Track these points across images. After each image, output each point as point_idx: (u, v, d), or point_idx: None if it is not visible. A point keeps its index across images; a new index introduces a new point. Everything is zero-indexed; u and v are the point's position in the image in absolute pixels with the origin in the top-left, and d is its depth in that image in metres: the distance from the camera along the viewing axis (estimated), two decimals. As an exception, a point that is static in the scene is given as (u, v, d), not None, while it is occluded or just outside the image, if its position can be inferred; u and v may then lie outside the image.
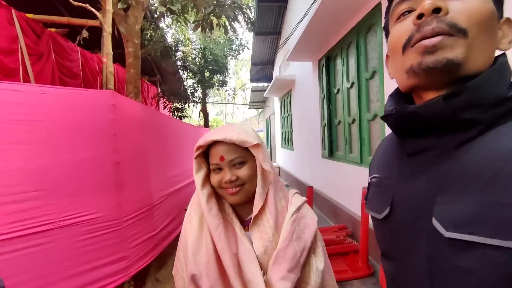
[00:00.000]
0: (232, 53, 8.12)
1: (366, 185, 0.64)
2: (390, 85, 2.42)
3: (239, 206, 0.80)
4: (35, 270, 1.73)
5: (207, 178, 0.78)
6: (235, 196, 0.75)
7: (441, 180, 0.41)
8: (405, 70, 0.44)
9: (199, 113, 8.50)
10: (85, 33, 2.88)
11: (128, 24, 2.82)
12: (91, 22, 2.86)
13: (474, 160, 0.39)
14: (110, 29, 2.28)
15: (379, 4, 2.61)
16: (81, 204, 1.97)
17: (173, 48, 6.46)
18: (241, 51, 8.17)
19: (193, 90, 7.65)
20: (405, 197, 0.48)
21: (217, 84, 7.94)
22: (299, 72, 6.00)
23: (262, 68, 11.08)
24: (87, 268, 1.95)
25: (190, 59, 7.40)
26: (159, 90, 7.28)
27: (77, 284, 1.87)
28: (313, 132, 5.03)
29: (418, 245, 0.44)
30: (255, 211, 0.74)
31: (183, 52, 7.28)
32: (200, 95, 8.04)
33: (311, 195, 2.11)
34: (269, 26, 8.29)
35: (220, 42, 7.94)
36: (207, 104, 8.67)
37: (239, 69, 29.76)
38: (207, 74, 7.60)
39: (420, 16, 0.41)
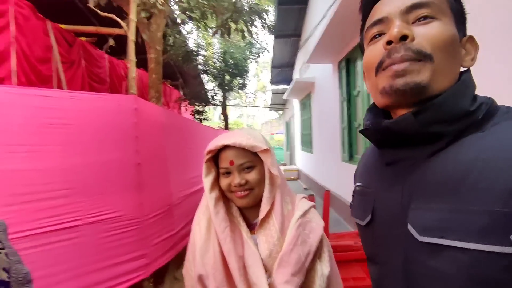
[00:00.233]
0: (252, 57, 8.19)
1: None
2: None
3: (247, 209, 0.82)
4: (63, 264, 1.85)
5: (215, 182, 0.81)
6: (244, 199, 0.77)
7: (414, 189, 0.45)
8: (378, 90, 0.48)
9: (220, 115, 8.65)
10: (111, 42, 3.06)
11: (151, 32, 2.96)
12: (117, 31, 3.03)
13: (441, 170, 0.42)
14: (133, 37, 2.40)
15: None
16: (105, 202, 2.09)
17: (194, 53, 6.64)
18: (261, 54, 8.22)
19: (213, 93, 7.81)
20: (384, 204, 0.51)
21: (237, 87, 8.05)
22: (319, 74, 5.93)
23: (283, 71, 11.07)
24: (110, 264, 2.05)
25: (211, 63, 7.57)
26: (181, 94, 7.51)
27: (100, 278, 1.98)
28: (332, 135, 4.95)
29: (396, 250, 0.47)
30: (262, 214, 0.76)
31: (204, 56, 7.47)
32: (221, 98, 8.19)
33: (327, 200, 2.08)
34: (289, 28, 8.27)
35: (240, 45, 8.05)
36: (227, 107, 8.81)
37: (260, 71, 29.88)
38: (227, 77, 7.73)
39: (389, 42, 0.44)
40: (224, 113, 8.40)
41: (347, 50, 4.03)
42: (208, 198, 0.79)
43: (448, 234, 0.38)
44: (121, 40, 3.61)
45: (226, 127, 8.54)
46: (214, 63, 7.65)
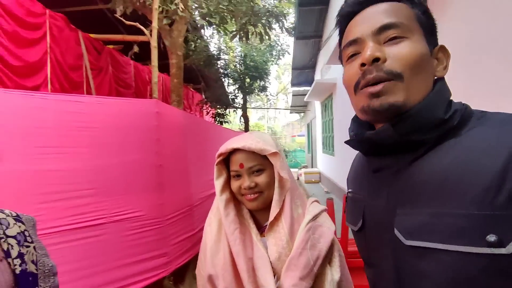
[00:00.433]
0: (272, 59, 8.21)
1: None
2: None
3: (257, 212, 0.83)
4: (88, 259, 1.96)
5: (226, 184, 0.83)
6: (253, 202, 0.78)
7: (398, 194, 0.48)
8: (358, 108, 0.52)
9: (240, 118, 8.73)
10: (135, 48, 3.21)
11: (172, 38, 3.07)
12: (141, 38, 3.18)
13: (421, 176, 0.45)
14: (155, 44, 2.51)
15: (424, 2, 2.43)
16: (128, 202, 2.18)
17: (215, 57, 6.78)
18: (281, 56, 8.21)
19: (233, 96, 7.91)
20: (372, 210, 0.54)
21: (257, 89, 8.09)
22: (340, 75, 5.80)
23: (303, 72, 10.96)
24: (132, 261, 2.14)
25: (231, 66, 7.68)
26: (203, 97, 7.68)
27: (122, 275, 2.07)
28: (354, 137, 4.81)
29: (386, 253, 0.50)
30: (271, 217, 0.76)
31: (225, 60, 7.60)
32: (241, 101, 8.27)
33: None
34: (310, 29, 8.18)
35: (261, 48, 8.10)
36: (248, 109, 8.88)
37: (282, 73, 29.80)
38: (247, 80, 7.80)
39: (363, 64, 0.48)
40: (245, 116, 8.47)
41: (369, 50, 3.91)
42: (219, 200, 0.81)
43: (431, 237, 0.40)
44: (146, 46, 3.77)
45: (246, 130, 8.61)
46: (235, 66, 7.75)
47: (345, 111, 5.59)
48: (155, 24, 2.46)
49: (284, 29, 3.43)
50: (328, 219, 0.83)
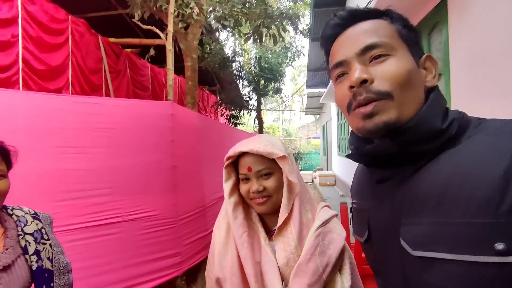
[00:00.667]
0: (287, 61, 8.18)
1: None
2: (456, 89, 2.13)
3: (266, 216, 0.82)
4: (105, 256, 2.01)
5: (235, 187, 0.82)
6: (262, 206, 0.77)
7: (402, 205, 0.48)
8: (354, 128, 0.52)
9: (254, 120, 8.74)
10: (152, 52, 3.29)
11: (187, 41, 3.13)
12: (157, 42, 3.26)
13: (423, 186, 0.45)
14: (171, 47, 2.56)
15: (445, 0, 2.34)
16: (143, 202, 2.23)
17: (230, 59, 6.83)
18: (296, 58, 8.16)
19: (247, 98, 7.93)
20: (377, 221, 0.54)
21: (271, 91, 8.08)
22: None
23: (319, 74, 10.83)
24: (146, 260, 2.19)
25: (246, 68, 7.71)
26: (218, 99, 7.76)
27: (136, 273, 2.12)
28: (370, 140, 4.70)
29: (394, 264, 0.49)
30: (280, 222, 0.75)
31: (239, 62, 7.64)
32: (255, 103, 8.28)
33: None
34: (326, 31, 8.08)
35: (276, 50, 8.08)
36: (262, 111, 8.87)
37: (297, 75, 29.62)
38: (262, 82, 7.80)
39: (352, 87, 0.48)
40: (259, 118, 8.48)
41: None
42: (227, 203, 0.80)
43: (439, 247, 0.40)
44: (163, 49, 3.86)
45: (261, 131, 8.61)
46: (249, 68, 7.78)
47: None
48: (170, 28, 2.51)
49: (298, 31, 3.41)
50: (339, 225, 0.81)
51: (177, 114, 2.50)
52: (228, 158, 0.82)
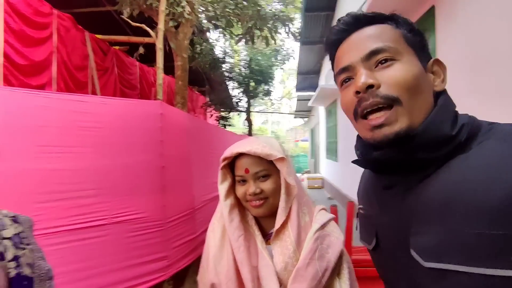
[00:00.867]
0: (277, 63, 8.21)
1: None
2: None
3: (262, 219, 0.80)
4: (89, 260, 1.93)
5: (231, 189, 0.80)
6: (259, 209, 0.75)
7: (411, 212, 0.46)
8: (361, 136, 0.51)
9: (244, 121, 8.72)
10: (141, 50, 3.22)
11: (178, 40, 3.07)
12: (147, 40, 3.19)
13: (433, 193, 0.43)
14: (161, 46, 2.50)
15: (433, 9, 2.40)
16: (130, 203, 2.15)
17: (221, 60, 6.79)
18: (286, 61, 8.22)
19: (238, 100, 7.91)
20: (385, 228, 0.53)
21: (261, 93, 8.09)
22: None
23: (308, 77, 10.95)
24: (132, 264, 2.11)
25: (236, 69, 7.69)
26: (208, 100, 7.69)
27: (121, 278, 2.04)
28: (359, 143, 4.77)
29: (403, 274, 0.48)
30: (277, 225, 0.73)
31: (230, 63, 7.62)
32: (245, 105, 8.27)
33: (352, 211, 1.98)
34: (316, 35, 8.19)
35: (266, 53, 8.11)
36: (252, 113, 8.86)
37: (286, 78, 29.81)
38: (252, 84, 7.80)
39: (357, 92, 0.47)
40: (249, 119, 8.46)
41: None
42: (223, 205, 0.78)
43: (451, 258, 0.38)
44: (152, 48, 3.79)
45: (250, 133, 8.58)
46: (240, 69, 7.77)
47: (349, 116, 5.55)
48: (161, 26, 2.45)
49: (290, 33, 3.42)
50: (337, 228, 0.80)
51: (167, 114, 2.44)
52: (224, 159, 0.79)
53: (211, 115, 7.70)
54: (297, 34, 4.85)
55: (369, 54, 0.47)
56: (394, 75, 0.45)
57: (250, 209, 0.77)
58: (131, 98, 3.84)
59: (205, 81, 7.72)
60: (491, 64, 1.70)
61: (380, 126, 0.45)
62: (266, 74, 7.73)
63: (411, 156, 0.45)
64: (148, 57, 4.37)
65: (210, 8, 3.06)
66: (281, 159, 0.74)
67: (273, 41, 3.27)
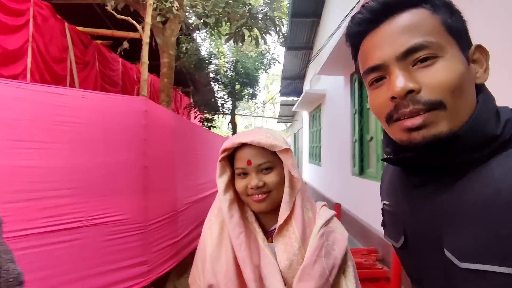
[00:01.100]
0: (263, 67, 8.25)
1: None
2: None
3: (263, 215, 0.75)
4: (62, 266, 1.78)
5: (230, 183, 0.74)
6: (261, 203, 0.70)
7: (445, 212, 0.42)
8: (394, 138, 0.45)
9: (228, 124, 8.65)
10: (125, 44, 3.09)
11: (165, 36, 2.98)
12: (132, 34, 3.07)
13: (470, 193, 0.39)
14: (148, 40, 2.41)
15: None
16: (108, 205, 2.02)
17: (207, 61, 6.71)
18: (272, 65, 8.27)
19: (223, 102, 7.84)
20: (415, 228, 0.49)
21: (246, 96, 8.07)
22: (330, 86, 5.89)
23: (293, 83, 11.10)
24: (110, 269, 1.97)
25: (222, 71, 7.63)
26: (191, 101, 7.55)
27: (99, 284, 1.90)
28: (343, 148, 4.85)
29: (437, 275, 0.45)
30: (281, 220, 0.69)
31: (216, 64, 7.55)
32: (230, 107, 8.21)
33: (338, 213, 1.98)
34: (301, 41, 8.34)
35: (252, 56, 8.12)
36: (236, 116, 8.81)
37: (270, 83, 30.08)
38: (237, 86, 7.77)
39: (393, 97, 0.41)
40: (233, 122, 8.40)
41: (360, 62, 3.98)
42: (222, 200, 0.72)
43: (490, 259, 0.36)
44: (135, 44, 3.65)
45: (234, 136, 8.51)
46: (226, 71, 7.71)
47: (333, 121, 5.64)
48: (148, 20, 2.36)
49: (281, 34, 3.42)
50: (340, 225, 0.77)
51: (151, 111, 2.33)
52: (224, 151, 0.73)
53: (195, 117, 7.57)
54: (282, 39, 4.89)
55: (406, 52, 0.40)
56: (437, 76, 0.39)
57: (250, 204, 0.72)
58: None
59: (189, 82, 7.59)
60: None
61: (417, 128, 0.40)
62: (252, 77, 7.73)
63: (451, 159, 0.41)
64: (131, 54, 4.22)
65: (199, 5, 2.99)
66: (286, 150, 0.69)
67: (262, 42, 3.24)
